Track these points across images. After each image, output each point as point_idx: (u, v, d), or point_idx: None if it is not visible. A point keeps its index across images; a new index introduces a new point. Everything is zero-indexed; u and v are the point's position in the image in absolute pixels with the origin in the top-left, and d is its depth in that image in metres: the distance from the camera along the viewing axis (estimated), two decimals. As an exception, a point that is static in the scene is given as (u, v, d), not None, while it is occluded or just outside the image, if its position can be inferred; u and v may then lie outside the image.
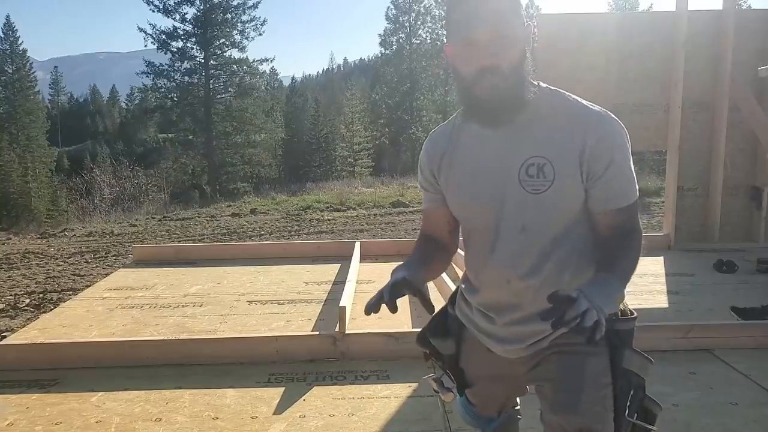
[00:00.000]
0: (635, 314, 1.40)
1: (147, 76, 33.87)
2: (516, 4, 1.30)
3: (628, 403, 1.31)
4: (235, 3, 33.78)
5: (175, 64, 33.78)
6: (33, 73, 49.47)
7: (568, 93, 1.38)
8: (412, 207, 12.66)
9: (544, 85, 1.38)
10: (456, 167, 1.42)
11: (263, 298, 4.27)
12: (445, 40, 1.39)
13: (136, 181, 22.94)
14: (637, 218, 1.36)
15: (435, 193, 1.49)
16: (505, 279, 1.36)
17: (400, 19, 40.28)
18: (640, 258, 1.31)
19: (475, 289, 1.46)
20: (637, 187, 1.35)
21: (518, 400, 1.70)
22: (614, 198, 1.31)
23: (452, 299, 1.59)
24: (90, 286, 5.09)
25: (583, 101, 1.35)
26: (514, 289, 1.36)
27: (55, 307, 4.49)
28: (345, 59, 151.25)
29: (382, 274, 4.96)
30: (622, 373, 1.31)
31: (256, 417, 2.50)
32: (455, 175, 1.42)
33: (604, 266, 1.26)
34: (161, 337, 3.38)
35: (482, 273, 1.43)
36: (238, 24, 34.02)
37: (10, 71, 47.09)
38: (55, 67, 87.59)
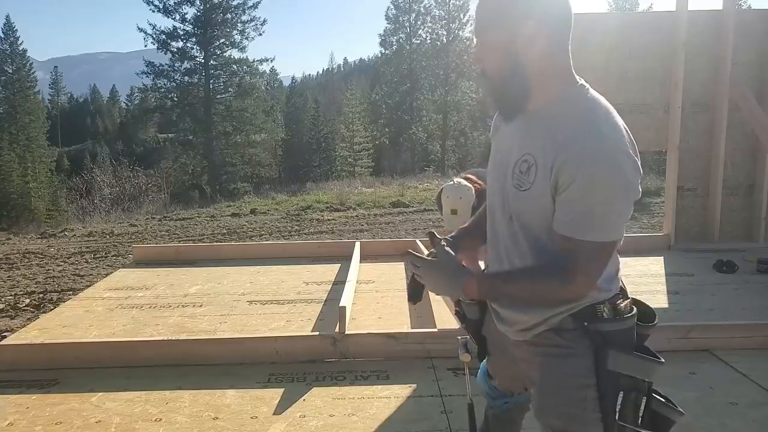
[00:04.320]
0: (634, 313, 1.33)
1: (147, 76, 33.98)
2: (510, 8, 1.25)
3: (619, 407, 1.28)
4: (235, 3, 33.84)
5: (175, 64, 33.84)
6: (33, 73, 49.45)
7: (597, 98, 1.28)
8: (412, 207, 12.65)
9: (581, 83, 1.30)
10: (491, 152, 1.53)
11: (263, 298, 4.27)
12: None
13: (136, 181, 22.95)
14: (581, 264, 1.22)
15: None
16: (498, 261, 1.44)
17: (400, 19, 40.22)
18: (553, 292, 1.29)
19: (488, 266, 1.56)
20: (600, 230, 1.21)
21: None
22: (562, 222, 1.24)
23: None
24: (90, 286, 5.09)
25: (599, 112, 1.25)
26: None
27: (55, 307, 4.49)
28: (345, 59, 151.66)
29: (382, 274, 4.96)
30: (605, 374, 1.28)
31: (256, 417, 2.50)
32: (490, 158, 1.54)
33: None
34: (161, 337, 3.38)
35: (489, 252, 1.51)
36: (238, 24, 34.09)
37: (10, 71, 47.08)
38: (55, 67, 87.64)
